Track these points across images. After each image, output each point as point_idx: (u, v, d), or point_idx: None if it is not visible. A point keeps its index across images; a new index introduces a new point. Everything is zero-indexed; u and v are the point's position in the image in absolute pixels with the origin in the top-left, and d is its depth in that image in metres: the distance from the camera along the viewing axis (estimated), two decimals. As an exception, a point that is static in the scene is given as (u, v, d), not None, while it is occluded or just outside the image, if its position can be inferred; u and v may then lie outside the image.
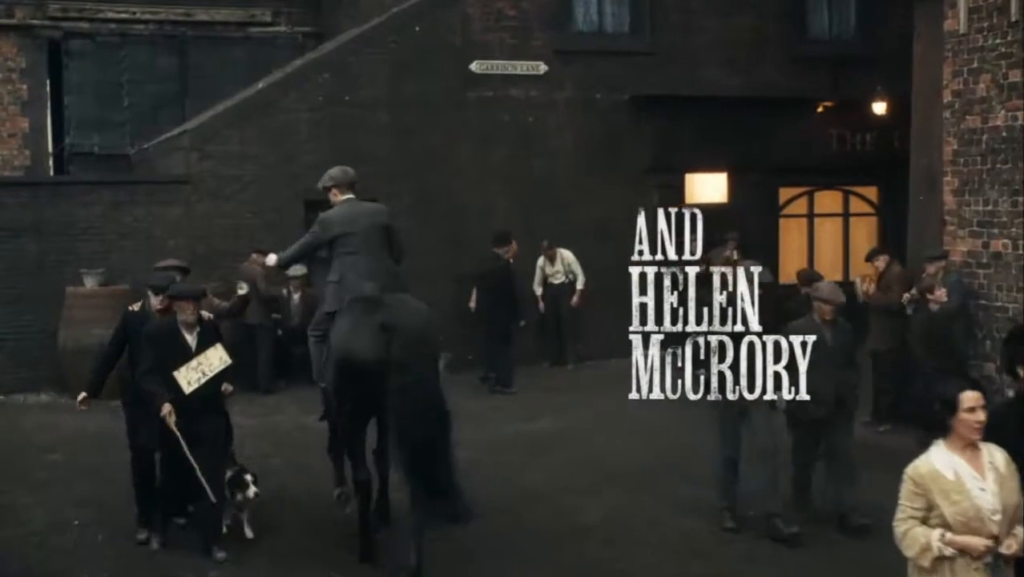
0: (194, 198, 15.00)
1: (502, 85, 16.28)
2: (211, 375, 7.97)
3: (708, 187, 17.40)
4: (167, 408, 7.78)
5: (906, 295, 11.54)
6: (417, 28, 15.87)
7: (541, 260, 16.02)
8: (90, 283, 14.27)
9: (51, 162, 20.42)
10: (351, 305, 7.81)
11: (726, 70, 17.23)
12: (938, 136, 12.05)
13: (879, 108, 17.14)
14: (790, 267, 17.97)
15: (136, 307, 8.77)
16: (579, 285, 15.97)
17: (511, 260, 14.79)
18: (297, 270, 14.71)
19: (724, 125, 16.82)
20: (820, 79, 17.62)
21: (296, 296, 15.00)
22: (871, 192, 18.49)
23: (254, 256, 14.47)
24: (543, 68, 16.38)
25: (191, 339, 8.03)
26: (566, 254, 16.03)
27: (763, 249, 17.46)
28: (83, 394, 8.57)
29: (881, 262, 12.29)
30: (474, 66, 16.08)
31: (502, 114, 16.27)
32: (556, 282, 16.06)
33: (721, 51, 17.18)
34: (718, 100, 16.86)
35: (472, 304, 15.20)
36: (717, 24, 17.21)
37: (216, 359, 8.01)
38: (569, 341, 16.16)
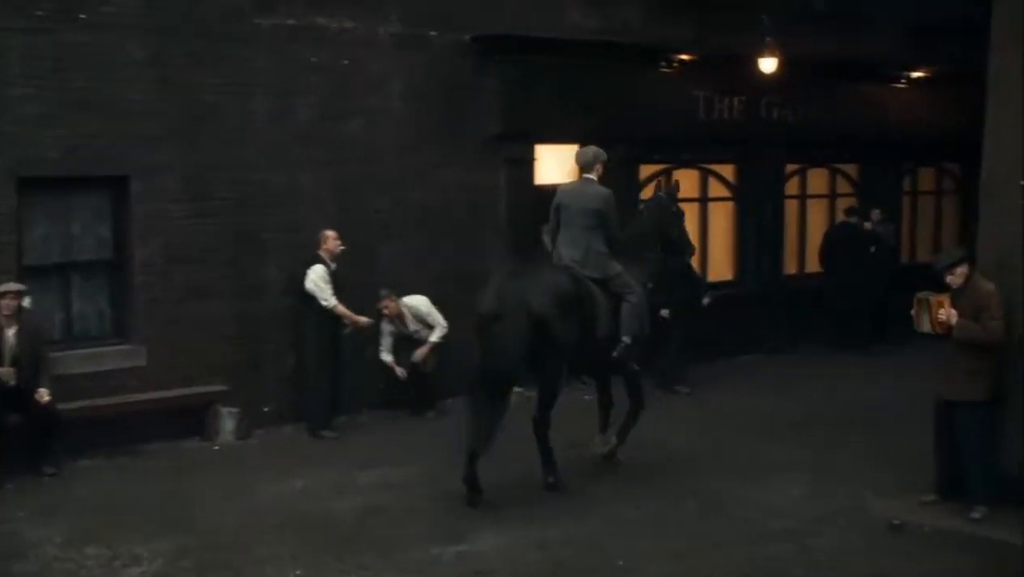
0: None
1: (306, 10, 11.19)
2: None
3: (561, 163, 13.19)
4: None
5: None
6: (187, -85, 10.46)
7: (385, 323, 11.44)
8: None
9: None
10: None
11: (586, 7, 13.07)
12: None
13: (768, 65, 13.59)
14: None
15: None
16: (434, 337, 11.46)
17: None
18: (11, 287, 9.32)
19: (582, 81, 12.73)
20: (682, 25, 13.85)
21: (11, 331, 9.32)
22: (728, 171, 14.96)
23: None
24: (360, -12, 11.48)
25: None
26: (415, 302, 11.45)
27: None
28: None
29: (960, 275, 8.48)
30: (266, -21, 10.92)
31: (306, 52, 11.20)
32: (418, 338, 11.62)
33: (581, -20, 13.00)
34: (577, 45, 12.68)
35: None
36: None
37: None
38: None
